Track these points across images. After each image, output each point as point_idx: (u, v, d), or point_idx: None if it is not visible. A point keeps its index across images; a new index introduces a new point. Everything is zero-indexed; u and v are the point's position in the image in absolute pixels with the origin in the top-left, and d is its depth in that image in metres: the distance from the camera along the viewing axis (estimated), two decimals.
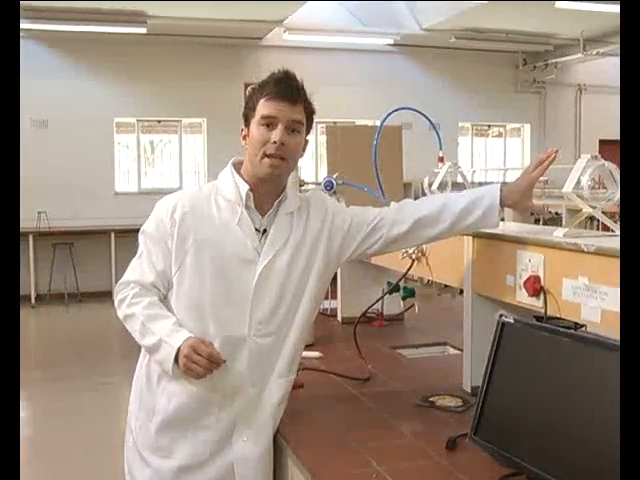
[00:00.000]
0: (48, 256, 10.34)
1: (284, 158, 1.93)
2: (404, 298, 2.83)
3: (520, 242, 2.01)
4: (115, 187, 11.09)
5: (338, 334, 3.16)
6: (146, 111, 11.19)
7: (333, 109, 11.42)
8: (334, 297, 3.45)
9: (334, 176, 2.93)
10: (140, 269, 1.95)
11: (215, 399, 1.93)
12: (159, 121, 11.43)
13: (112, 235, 10.30)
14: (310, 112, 2.00)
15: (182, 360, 1.82)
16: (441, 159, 2.61)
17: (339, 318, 3.37)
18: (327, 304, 3.51)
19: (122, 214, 10.38)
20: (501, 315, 1.75)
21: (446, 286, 2.64)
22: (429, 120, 2.66)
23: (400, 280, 2.68)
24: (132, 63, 10.87)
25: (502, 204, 1.99)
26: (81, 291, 10.45)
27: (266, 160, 1.91)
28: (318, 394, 2.30)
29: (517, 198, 1.99)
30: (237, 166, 2.01)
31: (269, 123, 1.91)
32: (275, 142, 1.90)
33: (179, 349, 1.82)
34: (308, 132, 2.02)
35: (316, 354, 2.71)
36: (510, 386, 1.71)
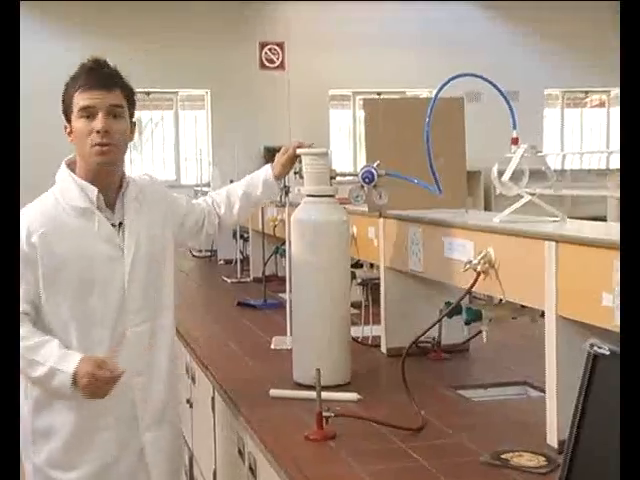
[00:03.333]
0: None
1: (110, 144, 2.48)
2: (468, 323, 2.83)
3: (619, 249, 2.02)
4: None
5: (382, 370, 3.19)
6: (131, 80, 11.30)
7: (376, 77, 11.47)
8: (376, 322, 3.48)
9: (374, 165, 2.96)
10: None
11: (108, 400, 2.41)
12: (148, 93, 11.56)
13: None
14: (130, 94, 2.61)
15: (85, 389, 2.35)
16: (515, 141, 2.63)
17: (383, 349, 3.39)
18: (367, 331, 3.54)
19: None
20: (592, 345, 1.76)
21: (523, 306, 2.65)
22: (498, 89, 2.68)
23: (462, 299, 2.70)
24: (112, 18, 10.98)
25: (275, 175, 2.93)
26: None
27: (94, 150, 2.47)
28: (355, 448, 2.33)
29: (279, 168, 2.94)
30: (72, 166, 2.57)
31: (89, 114, 2.47)
32: (99, 131, 2.45)
33: (75, 374, 2.35)
34: (132, 115, 2.61)
35: (353, 396, 2.74)
36: (607, 439, 1.71)
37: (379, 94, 11.02)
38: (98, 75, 2.52)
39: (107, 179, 2.56)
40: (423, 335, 2.82)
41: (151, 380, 2.61)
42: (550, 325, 2.27)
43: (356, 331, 3.42)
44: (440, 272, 2.96)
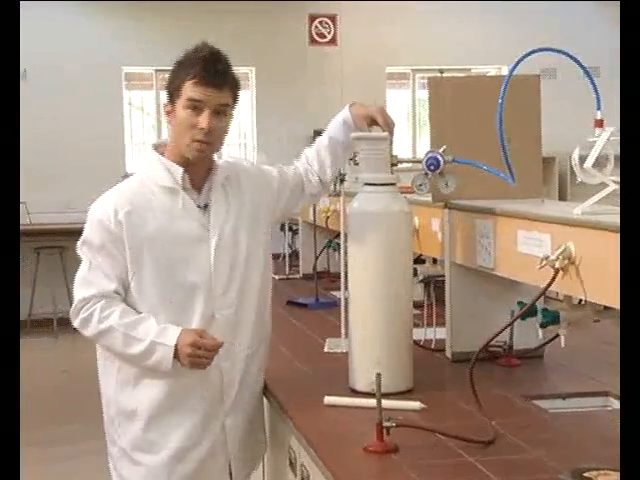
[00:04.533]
0: (29, 265, 10.53)
1: (210, 143, 2.73)
2: (544, 325, 2.83)
3: None
4: (125, 166, 11.27)
5: (447, 377, 3.20)
6: (168, 57, 11.20)
7: (439, 51, 11.40)
8: (440, 323, 3.48)
9: (440, 150, 2.96)
10: (96, 281, 2.73)
11: (195, 381, 2.75)
12: None
13: None
14: (237, 91, 2.82)
15: (187, 360, 2.64)
16: (599, 123, 2.61)
17: (448, 354, 3.40)
18: (430, 333, 3.54)
19: None
20: None
21: (607, 308, 2.64)
22: (580, 64, 2.66)
23: (538, 299, 2.69)
24: None
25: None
26: None
27: (194, 145, 2.71)
28: (419, 462, 2.34)
29: (359, 111, 3.01)
30: (160, 149, 2.84)
31: (195, 106, 2.69)
32: (202, 128, 2.68)
33: (176, 346, 2.63)
34: (235, 107, 2.84)
35: (416, 405, 2.74)
36: None
37: (441, 72, 10.92)
38: (213, 70, 2.70)
39: (197, 165, 2.79)
40: (493, 339, 2.81)
41: (235, 364, 2.82)
42: None
43: (418, 333, 3.42)
44: (513, 269, 2.95)
